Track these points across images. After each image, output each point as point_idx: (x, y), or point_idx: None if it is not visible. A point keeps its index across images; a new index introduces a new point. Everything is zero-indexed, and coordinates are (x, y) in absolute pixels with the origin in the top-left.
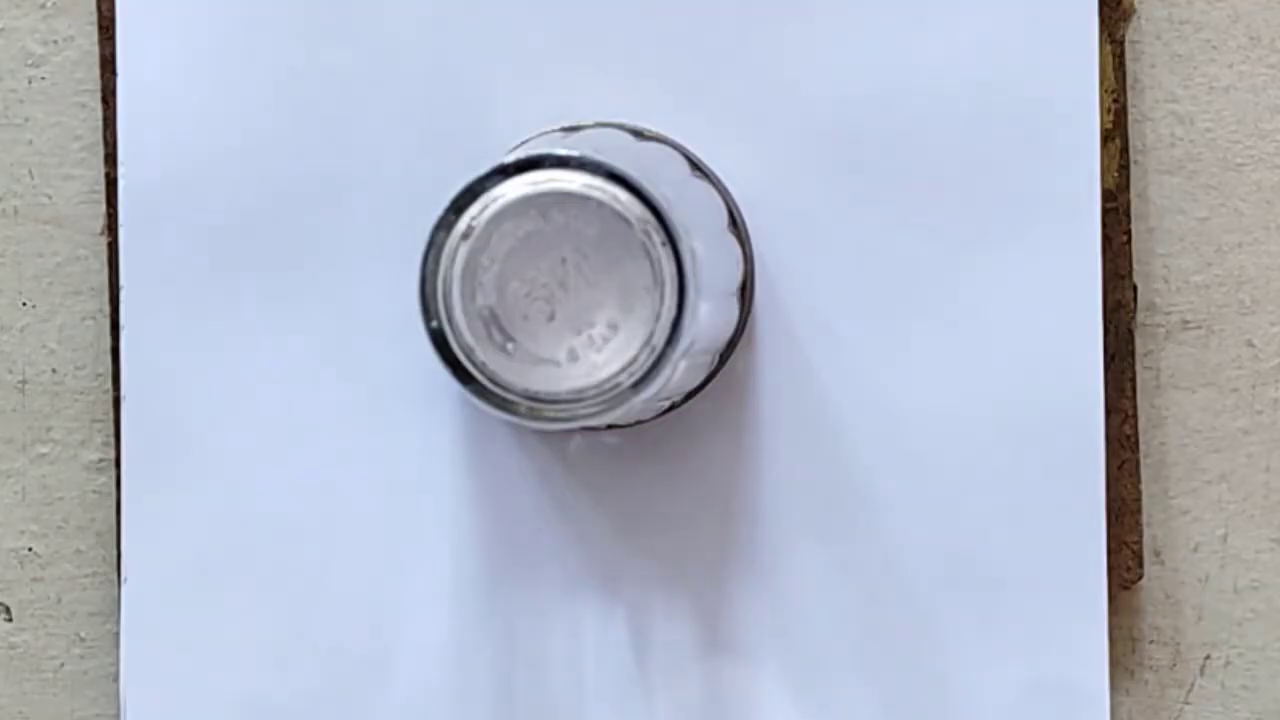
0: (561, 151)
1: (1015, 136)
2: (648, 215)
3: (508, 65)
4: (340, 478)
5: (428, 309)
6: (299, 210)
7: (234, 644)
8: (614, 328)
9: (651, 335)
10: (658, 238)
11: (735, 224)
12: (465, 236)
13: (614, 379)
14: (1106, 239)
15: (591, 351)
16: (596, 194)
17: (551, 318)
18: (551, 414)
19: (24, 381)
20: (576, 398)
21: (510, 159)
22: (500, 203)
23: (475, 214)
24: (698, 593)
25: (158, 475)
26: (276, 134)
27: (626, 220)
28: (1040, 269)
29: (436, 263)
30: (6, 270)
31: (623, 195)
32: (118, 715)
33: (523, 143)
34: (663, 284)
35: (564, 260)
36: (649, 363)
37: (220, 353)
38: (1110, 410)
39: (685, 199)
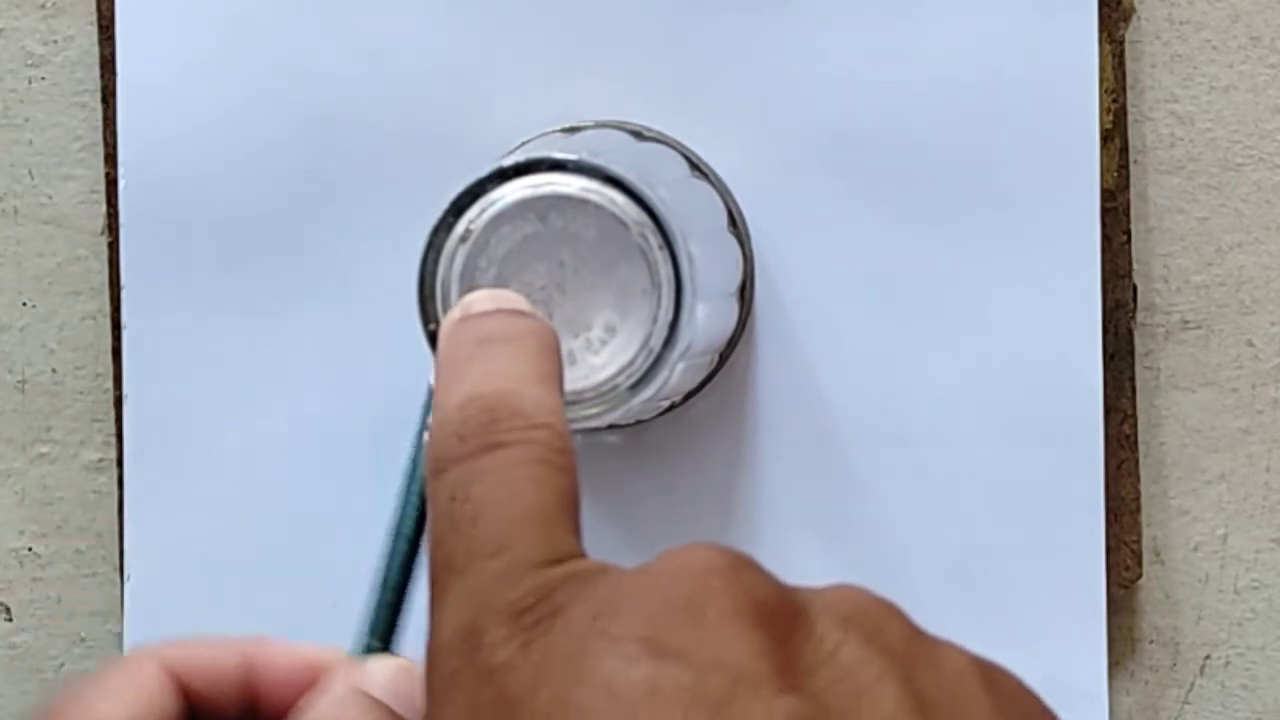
0: (559, 155)
1: (1015, 136)
2: (645, 218)
3: (508, 65)
4: (341, 477)
5: (426, 312)
6: (299, 210)
7: None
8: (611, 330)
9: (649, 338)
10: (655, 241)
11: (735, 224)
12: (464, 239)
13: (612, 381)
14: (1106, 239)
15: (589, 354)
16: (594, 197)
17: (549, 320)
18: None
19: (24, 381)
20: (574, 400)
21: (509, 162)
22: (498, 206)
23: (474, 217)
24: None
25: (159, 474)
26: (276, 134)
27: (624, 223)
28: (1040, 269)
29: (435, 265)
30: (6, 270)
31: (620, 198)
32: None
33: (523, 143)
34: (660, 287)
35: (561, 263)
36: (646, 365)
37: (221, 352)
38: (1110, 410)
39: (684, 200)
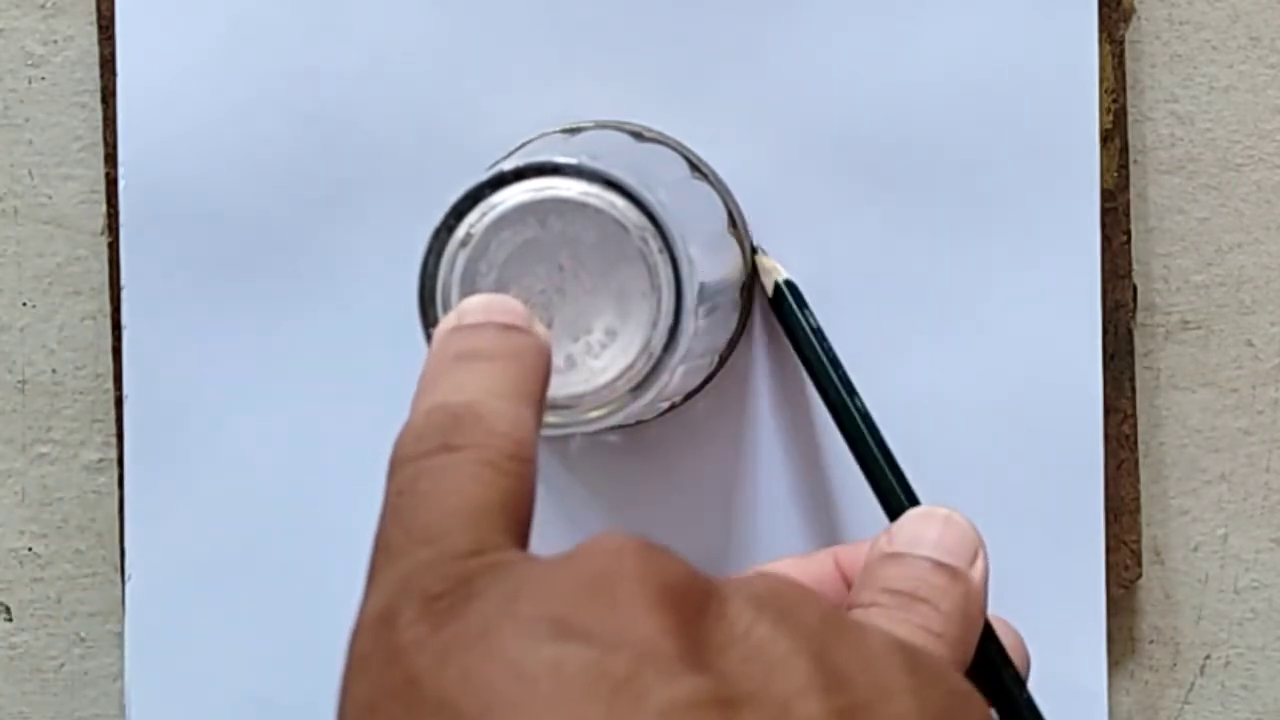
0: (559, 159)
1: (1015, 136)
2: (645, 222)
3: (508, 65)
4: (341, 477)
5: (426, 315)
6: (299, 211)
7: (237, 642)
8: (611, 334)
9: (649, 341)
10: (654, 244)
11: (735, 225)
12: (464, 244)
13: (612, 384)
14: (1106, 239)
15: (589, 358)
16: (594, 201)
17: (549, 324)
18: (550, 419)
19: (24, 381)
20: (574, 403)
21: (509, 166)
22: (499, 210)
23: (474, 221)
24: None
25: (160, 474)
26: (276, 135)
27: (624, 227)
28: (1040, 269)
29: (435, 268)
30: (6, 270)
31: (619, 202)
32: (118, 715)
33: (523, 144)
34: (659, 290)
35: (561, 267)
36: (646, 369)
37: (221, 352)
38: (1110, 410)
39: (684, 201)
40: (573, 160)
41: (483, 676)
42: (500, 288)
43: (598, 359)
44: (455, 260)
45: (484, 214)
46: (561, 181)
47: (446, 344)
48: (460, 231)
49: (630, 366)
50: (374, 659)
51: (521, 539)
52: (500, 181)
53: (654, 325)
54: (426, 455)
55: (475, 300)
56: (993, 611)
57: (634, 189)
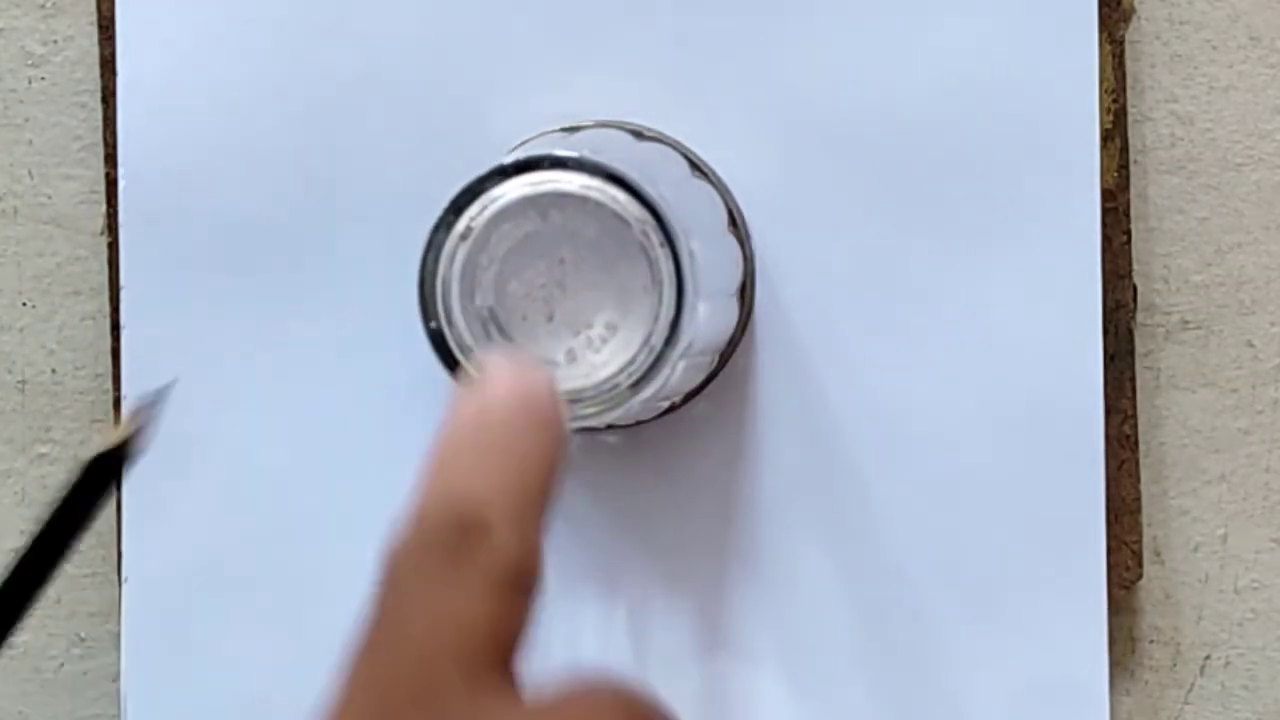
0: (560, 152)
1: (1015, 136)
2: (646, 216)
3: (508, 65)
4: (340, 477)
5: (427, 309)
6: (299, 210)
7: (235, 643)
8: (612, 328)
9: (650, 336)
10: (656, 238)
11: (735, 224)
12: (464, 237)
13: (613, 379)
14: (1106, 239)
15: (590, 352)
16: (595, 195)
17: (550, 318)
18: None
19: (24, 381)
20: (575, 398)
21: (509, 160)
22: (499, 203)
23: (474, 215)
24: (698, 593)
25: (158, 474)
26: (276, 134)
27: (625, 221)
28: (1040, 269)
29: (435, 263)
30: (6, 270)
31: (621, 196)
32: (118, 715)
33: (523, 143)
34: (661, 285)
35: (562, 261)
36: (647, 363)
37: (220, 352)
38: (1110, 410)
39: (685, 200)
40: (574, 153)
41: None
42: (501, 281)
43: (599, 353)
44: (456, 254)
45: (484, 207)
46: (562, 175)
47: (461, 421)
48: (460, 225)
49: (631, 361)
50: None
51: (508, 663)
52: (501, 175)
53: (655, 319)
54: (427, 560)
55: (497, 368)
56: (993, 611)
57: (635, 183)
